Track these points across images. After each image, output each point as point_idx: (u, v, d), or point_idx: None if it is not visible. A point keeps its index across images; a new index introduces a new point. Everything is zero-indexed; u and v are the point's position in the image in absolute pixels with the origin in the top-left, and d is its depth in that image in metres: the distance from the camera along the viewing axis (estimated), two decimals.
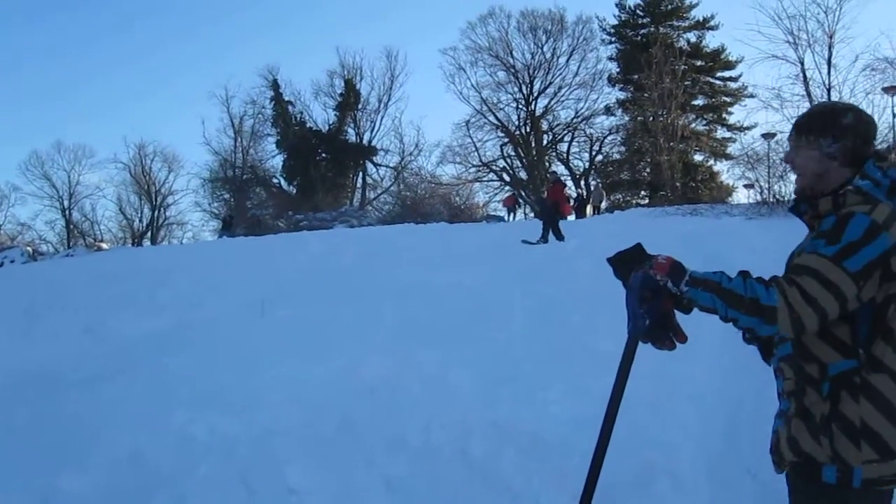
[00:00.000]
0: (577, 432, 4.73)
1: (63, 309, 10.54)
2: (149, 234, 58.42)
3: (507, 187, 53.96)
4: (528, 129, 55.49)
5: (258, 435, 5.34)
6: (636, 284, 2.46)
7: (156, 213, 59.34)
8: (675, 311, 2.51)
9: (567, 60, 54.68)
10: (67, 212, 57.72)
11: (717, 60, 50.14)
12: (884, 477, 2.28)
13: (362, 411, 5.66)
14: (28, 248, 37.82)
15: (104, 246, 41.27)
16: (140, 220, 59.44)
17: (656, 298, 2.45)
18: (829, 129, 2.48)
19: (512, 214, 41.44)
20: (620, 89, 52.75)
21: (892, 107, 23.76)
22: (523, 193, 49.02)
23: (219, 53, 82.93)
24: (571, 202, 30.68)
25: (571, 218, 28.46)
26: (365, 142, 56.82)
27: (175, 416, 5.66)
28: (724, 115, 50.69)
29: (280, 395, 6.01)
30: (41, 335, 9.03)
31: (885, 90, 23.68)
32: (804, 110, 2.96)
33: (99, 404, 6.19)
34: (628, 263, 2.54)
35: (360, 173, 58.11)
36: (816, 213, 2.45)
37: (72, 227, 57.52)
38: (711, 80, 50.82)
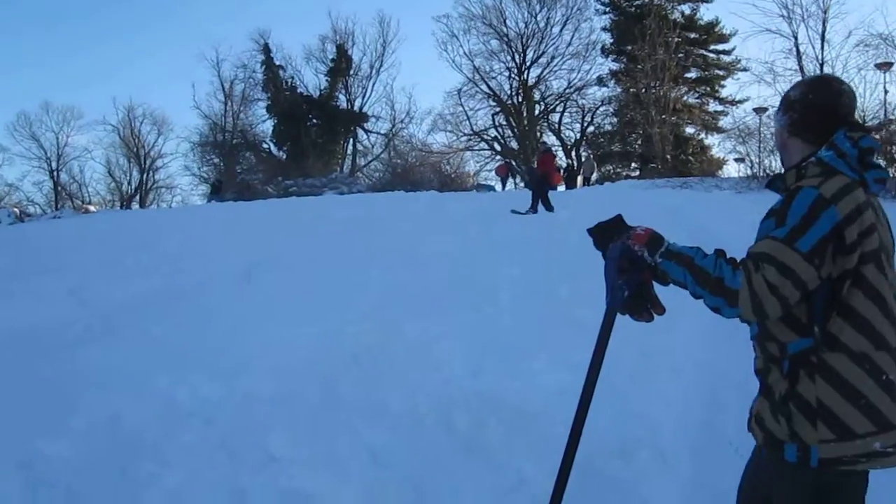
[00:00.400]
0: (561, 403, 4.71)
1: (48, 271, 10.45)
2: (137, 197, 58.19)
3: (499, 157, 53.86)
4: (520, 99, 55.26)
5: (241, 401, 5.32)
6: (615, 255, 2.47)
7: (145, 176, 59.12)
8: (654, 283, 2.50)
9: (560, 30, 54.32)
10: (55, 173, 57.42)
11: (711, 33, 49.89)
12: (843, 457, 2.24)
13: (346, 379, 5.65)
14: (15, 210, 37.62)
15: (91, 208, 41.15)
16: (129, 184, 59.26)
17: (635, 269, 2.45)
18: (781, 102, 2.57)
19: (504, 183, 41.37)
20: (613, 60, 52.53)
21: (885, 83, 23.74)
22: (514, 163, 48.85)
23: (210, 17, 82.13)
24: (561, 172, 30.68)
25: (561, 188, 28.48)
26: (356, 108, 56.53)
27: (158, 381, 5.63)
28: (716, 89, 50.60)
29: (264, 361, 5.99)
30: (25, 298, 8.94)
31: (878, 66, 23.64)
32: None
33: (82, 368, 6.14)
34: (608, 234, 2.54)
35: (351, 140, 57.88)
36: (786, 187, 2.43)
37: (59, 188, 57.23)
38: (705, 52, 50.62)
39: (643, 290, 2.50)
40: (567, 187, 31.16)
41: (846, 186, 2.26)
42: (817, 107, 2.44)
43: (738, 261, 2.24)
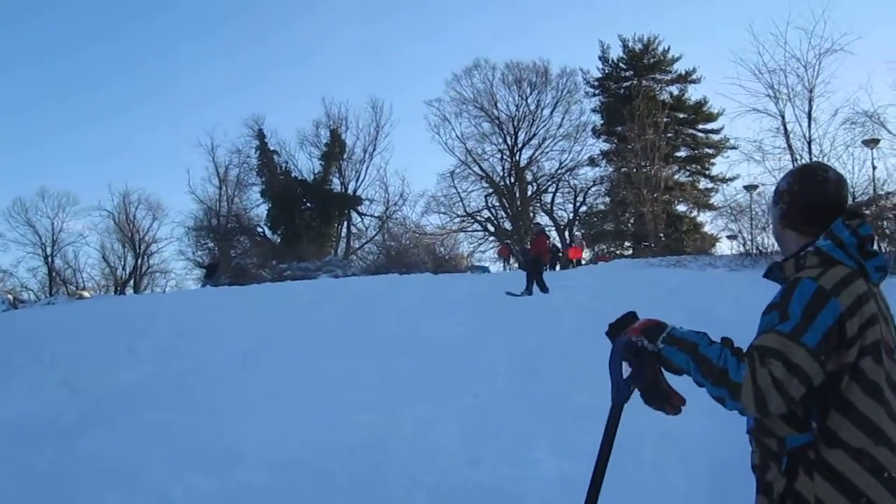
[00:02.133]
0: (562, 492, 4.64)
1: (41, 360, 10.37)
2: (132, 282, 58.04)
3: (492, 237, 54.15)
4: (512, 180, 55.82)
5: (234, 494, 5.21)
6: (618, 349, 2.45)
7: (139, 260, 58.96)
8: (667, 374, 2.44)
9: (551, 112, 55.18)
10: (50, 259, 57.25)
11: (700, 113, 50.69)
12: None
13: (343, 471, 5.54)
14: (9, 296, 37.43)
15: (85, 294, 40.82)
16: (123, 268, 59.02)
17: (641, 361, 2.40)
18: (774, 193, 2.55)
19: (507, 264, 41.52)
20: (604, 141, 53.23)
21: (872, 159, 24.02)
22: (508, 243, 49.08)
23: (205, 103, 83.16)
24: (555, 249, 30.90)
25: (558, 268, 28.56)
26: (350, 191, 56.89)
27: (151, 474, 5.53)
28: (706, 167, 51.16)
29: (259, 452, 5.89)
30: (17, 387, 8.85)
31: (865, 143, 23.93)
32: (785, 163, 2.96)
33: (74, 461, 6.05)
34: (619, 331, 2.51)
35: (345, 223, 58.10)
36: (785, 277, 2.38)
37: (54, 274, 57.04)
38: (694, 132, 51.36)
39: (656, 382, 2.43)
40: (562, 268, 31.22)
41: (846, 277, 2.21)
42: (803, 197, 2.42)
43: (744, 352, 2.17)
